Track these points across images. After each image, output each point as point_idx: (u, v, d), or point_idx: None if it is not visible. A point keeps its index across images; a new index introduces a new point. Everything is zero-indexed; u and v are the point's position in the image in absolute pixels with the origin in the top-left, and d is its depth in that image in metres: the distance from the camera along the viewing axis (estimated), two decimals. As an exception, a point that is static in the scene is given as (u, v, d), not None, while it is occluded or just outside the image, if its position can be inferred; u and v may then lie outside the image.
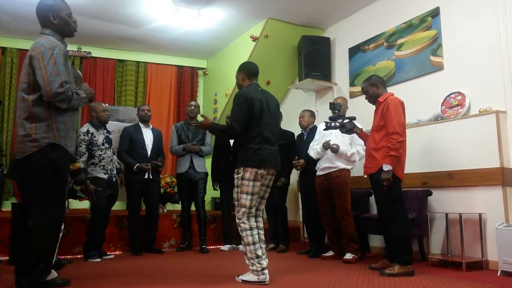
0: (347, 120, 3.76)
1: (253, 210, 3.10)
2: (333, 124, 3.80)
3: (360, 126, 3.82)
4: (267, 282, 2.95)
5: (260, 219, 3.22)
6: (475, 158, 3.73)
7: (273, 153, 3.15)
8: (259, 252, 2.99)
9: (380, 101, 3.54)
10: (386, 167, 3.30)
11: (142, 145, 4.71)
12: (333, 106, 3.88)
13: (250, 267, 3.00)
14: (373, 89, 3.59)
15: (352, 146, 4.19)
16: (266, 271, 2.97)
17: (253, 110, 3.09)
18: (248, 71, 3.30)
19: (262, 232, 3.18)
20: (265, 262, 2.99)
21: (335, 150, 4.10)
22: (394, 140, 3.31)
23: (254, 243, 2.99)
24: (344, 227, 4.09)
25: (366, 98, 3.71)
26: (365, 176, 3.62)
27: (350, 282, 3.08)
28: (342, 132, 3.83)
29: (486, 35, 3.86)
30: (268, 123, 3.16)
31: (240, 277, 3.07)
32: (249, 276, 3.00)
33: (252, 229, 3.02)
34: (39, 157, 2.47)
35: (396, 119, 3.35)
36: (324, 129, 3.92)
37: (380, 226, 3.69)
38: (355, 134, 4.18)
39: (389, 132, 3.36)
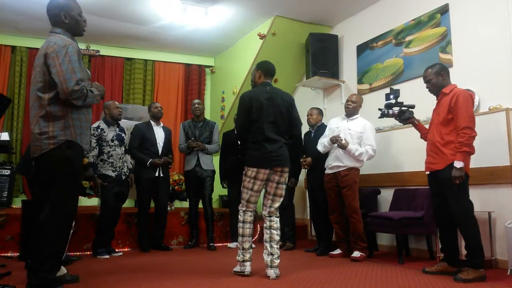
0: (406, 108, 3.51)
1: (252, 206, 3.29)
2: (390, 112, 3.54)
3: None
4: (246, 272, 3.19)
5: (275, 218, 3.28)
6: (485, 156, 3.68)
7: (274, 151, 3.20)
8: (246, 245, 3.23)
9: (444, 92, 3.29)
10: (459, 164, 3.06)
11: (153, 143, 4.74)
12: (388, 93, 3.61)
13: (237, 258, 3.26)
14: (438, 78, 3.33)
15: (362, 146, 4.14)
16: (247, 263, 3.20)
17: (251, 112, 3.25)
18: (266, 70, 3.44)
19: (275, 232, 3.23)
20: (248, 255, 3.21)
21: (344, 146, 4.07)
22: (467, 135, 3.08)
23: (243, 236, 3.25)
24: (352, 225, 4.08)
25: (427, 87, 3.43)
26: (427, 173, 3.38)
27: (358, 280, 3.08)
28: (399, 121, 3.61)
29: (496, 32, 3.82)
30: (270, 122, 3.24)
31: (234, 268, 3.30)
32: (237, 267, 3.27)
33: (244, 222, 3.27)
34: (55, 154, 2.48)
35: (468, 112, 3.12)
36: (380, 117, 3.67)
37: (447, 227, 3.34)
38: (365, 134, 4.16)
39: (460, 127, 3.11)
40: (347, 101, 4.35)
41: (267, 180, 3.26)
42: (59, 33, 2.60)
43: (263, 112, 3.24)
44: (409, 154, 4.44)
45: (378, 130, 4.76)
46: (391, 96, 3.61)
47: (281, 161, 3.22)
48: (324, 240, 4.48)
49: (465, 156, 3.11)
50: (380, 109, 3.65)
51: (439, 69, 3.37)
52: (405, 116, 3.56)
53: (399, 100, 3.62)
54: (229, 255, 4.40)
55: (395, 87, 4.45)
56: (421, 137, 3.58)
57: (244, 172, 3.29)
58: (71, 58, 2.47)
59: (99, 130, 4.29)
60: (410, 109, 3.55)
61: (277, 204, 3.29)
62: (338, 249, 4.25)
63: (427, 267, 3.40)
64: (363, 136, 4.14)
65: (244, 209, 3.30)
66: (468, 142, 3.10)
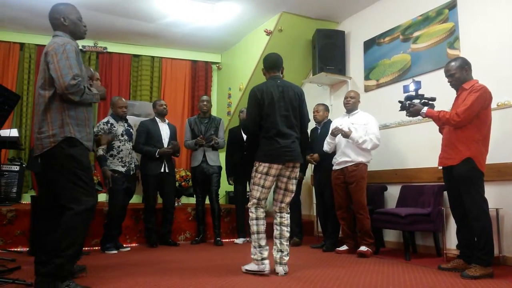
0: (426, 100, 3.42)
1: (263, 202, 3.19)
2: (411, 105, 3.42)
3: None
4: (265, 272, 3.07)
5: (285, 214, 3.24)
6: (492, 152, 3.64)
7: (287, 146, 3.13)
8: (262, 242, 3.11)
9: (464, 88, 3.23)
10: (425, 110, 3.27)
11: (158, 139, 4.77)
12: (407, 84, 3.51)
13: (252, 256, 3.12)
14: (462, 72, 3.26)
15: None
16: (266, 261, 3.09)
17: (262, 106, 3.16)
18: (265, 64, 3.38)
19: (285, 228, 3.20)
20: (266, 253, 3.10)
21: (347, 134, 4.07)
22: (452, 118, 3.11)
23: (258, 233, 3.13)
24: (359, 221, 4.08)
25: (449, 81, 3.35)
26: (440, 167, 3.37)
27: (364, 276, 3.08)
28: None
29: (504, 27, 3.78)
30: (282, 116, 3.16)
31: (244, 266, 3.20)
32: (251, 265, 3.14)
33: (258, 219, 3.15)
34: (57, 153, 2.52)
35: (472, 107, 3.06)
36: (400, 110, 3.53)
37: (465, 223, 3.28)
38: (368, 124, 4.16)
39: (459, 110, 3.10)
40: (346, 98, 4.37)
41: (278, 175, 3.19)
42: (60, 35, 2.69)
43: (275, 105, 3.15)
44: (415, 150, 4.43)
45: (384, 127, 4.75)
46: (414, 87, 3.49)
47: (293, 156, 3.15)
48: (331, 236, 4.48)
49: (433, 115, 3.25)
50: (400, 102, 3.53)
51: (463, 63, 3.29)
52: None
53: (420, 92, 3.49)
54: (236, 251, 4.43)
55: (401, 83, 4.43)
56: (440, 132, 3.53)
57: (254, 168, 3.19)
58: (69, 55, 2.53)
59: (108, 124, 4.33)
60: (431, 102, 3.46)
61: (288, 200, 3.25)
62: (345, 245, 4.25)
63: (443, 264, 3.39)
64: (367, 127, 4.15)
65: (255, 206, 3.19)
66: (444, 117, 3.18)
